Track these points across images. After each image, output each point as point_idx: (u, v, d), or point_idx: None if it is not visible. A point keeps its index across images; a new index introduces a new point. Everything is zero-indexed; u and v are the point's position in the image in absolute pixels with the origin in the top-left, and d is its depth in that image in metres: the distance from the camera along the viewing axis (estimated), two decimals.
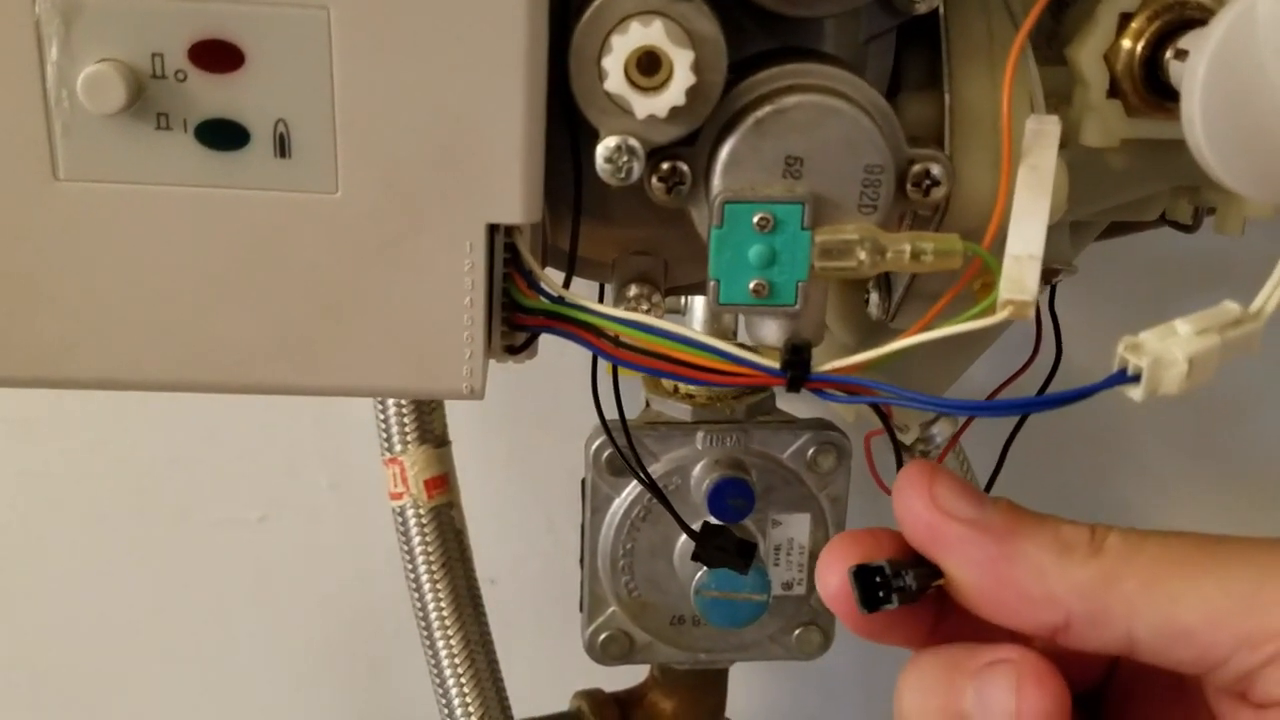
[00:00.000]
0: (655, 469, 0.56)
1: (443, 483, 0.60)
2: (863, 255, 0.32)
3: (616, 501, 0.58)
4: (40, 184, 0.31)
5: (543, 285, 0.34)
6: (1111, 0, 0.35)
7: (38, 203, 0.31)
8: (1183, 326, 0.29)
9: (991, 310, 0.32)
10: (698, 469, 0.56)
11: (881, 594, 0.30)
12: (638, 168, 0.32)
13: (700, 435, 0.56)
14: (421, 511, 0.60)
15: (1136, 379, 0.29)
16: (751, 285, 0.33)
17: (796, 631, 0.60)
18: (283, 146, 0.31)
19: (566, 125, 0.33)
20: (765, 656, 0.59)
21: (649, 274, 0.39)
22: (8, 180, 0.31)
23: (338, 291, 0.32)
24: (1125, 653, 0.28)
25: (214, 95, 0.30)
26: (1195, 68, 0.27)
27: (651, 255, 0.39)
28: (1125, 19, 0.35)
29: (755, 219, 0.32)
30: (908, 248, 0.32)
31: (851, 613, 0.31)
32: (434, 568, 0.60)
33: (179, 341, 0.32)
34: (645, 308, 0.39)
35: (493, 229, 0.32)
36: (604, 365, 0.40)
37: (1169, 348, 0.29)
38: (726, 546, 0.46)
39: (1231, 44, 0.27)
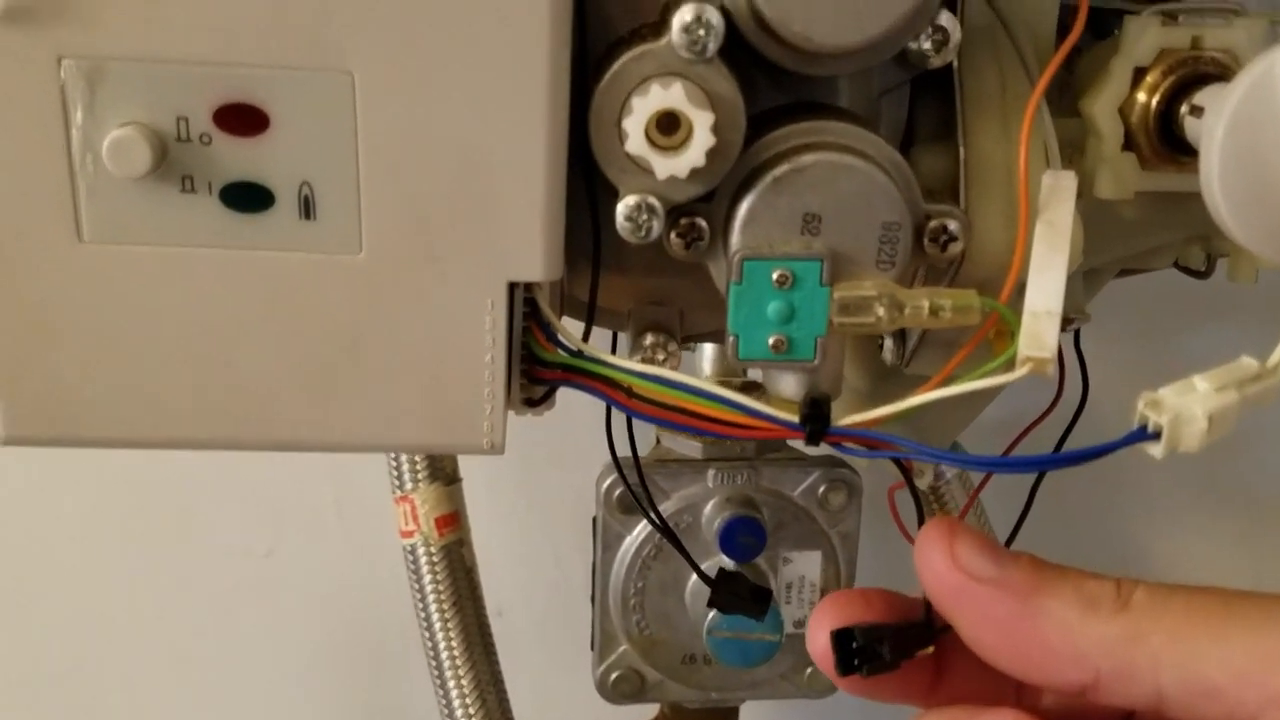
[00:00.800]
0: (666, 506, 0.56)
1: (453, 520, 0.60)
2: (881, 311, 0.32)
3: (628, 540, 0.58)
4: (64, 246, 0.31)
5: (561, 339, 0.35)
6: (1126, 54, 0.35)
7: (62, 265, 0.31)
8: (1201, 383, 0.30)
9: (1010, 365, 0.32)
10: (709, 507, 0.56)
11: (856, 660, 0.31)
12: (658, 226, 0.33)
13: (711, 473, 0.56)
14: (433, 550, 0.60)
15: (1157, 436, 0.29)
16: (771, 341, 0.33)
17: (808, 670, 0.60)
18: (307, 208, 0.31)
19: (585, 181, 0.33)
20: (777, 695, 0.59)
21: (664, 323, 0.40)
22: (32, 242, 0.31)
23: (360, 350, 0.32)
24: (1152, 709, 0.29)
25: (238, 158, 0.30)
26: (1214, 129, 0.27)
27: (666, 304, 0.40)
28: (1139, 72, 0.35)
29: (774, 275, 0.33)
30: (926, 304, 0.32)
31: (834, 673, 0.31)
32: (445, 606, 0.60)
33: (202, 401, 0.32)
34: (661, 357, 0.39)
35: (513, 286, 0.33)
36: None
37: (1189, 404, 0.29)
38: (741, 593, 0.46)
39: (1251, 106, 0.27)
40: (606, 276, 0.37)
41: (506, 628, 0.65)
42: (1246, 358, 0.31)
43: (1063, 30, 0.37)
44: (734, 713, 0.65)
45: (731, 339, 0.33)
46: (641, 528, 0.57)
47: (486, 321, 0.33)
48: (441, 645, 0.61)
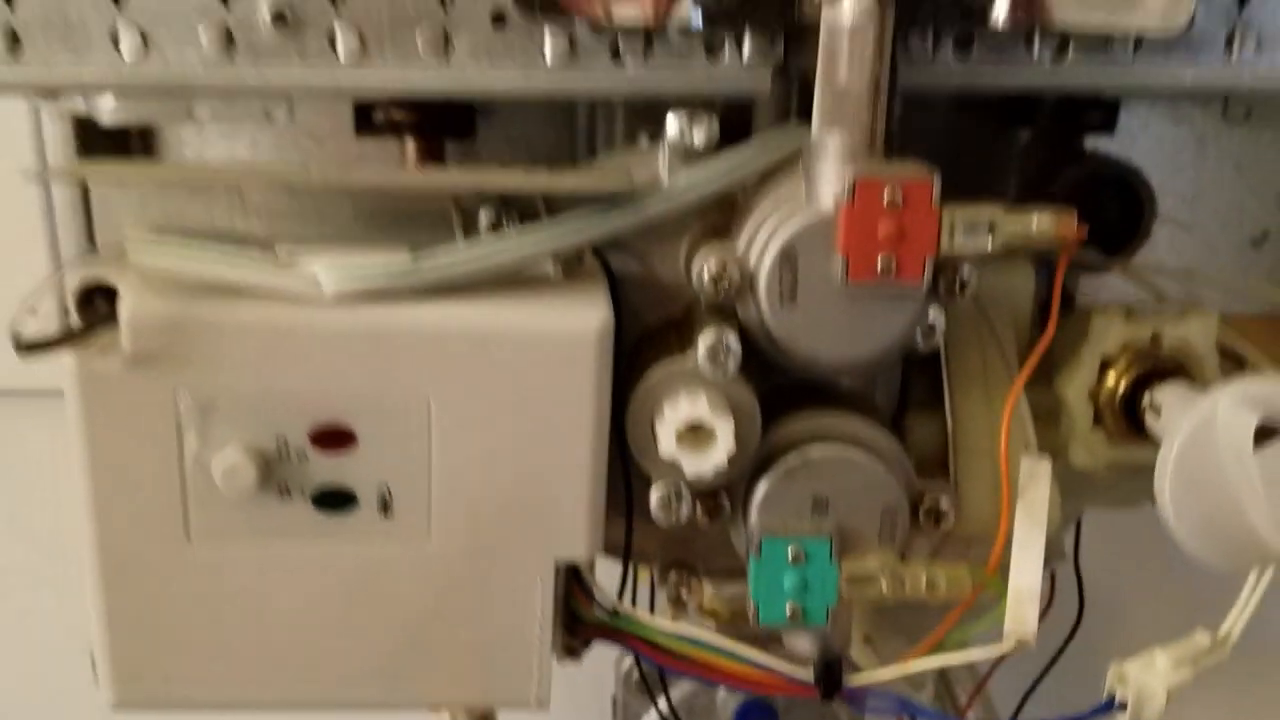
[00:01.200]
0: (681, 687, 0.60)
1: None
2: (884, 584, 0.37)
3: (645, 718, 0.62)
4: (175, 546, 0.36)
5: (600, 601, 0.39)
6: (1094, 344, 0.40)
7: (172, 561, 0.36)
8: (1162, 659, 0.34)
9: (1000, 624, 0.36)
10: (722, 689, 0.60)
11: None
12: (686, 510, 0.37)
13: None
14: None
15: (1123, 707, 0.34)
16: (788, 610, 0.38)
17: None
18: (385, 507, 0.36)
19: (622, 465, 0.38)
20: None
21: (687, 561, 0.44)
22: (147, 543, 0.36)
23: (426, 623, 0.37)
24: None
25: (329, 469, 0.35)
26: (1165, 461, 0.32)
27: (689, 546, 0.44)
28: (1106, 360, 0.40)
29: (789, 552, 0.37)
30: (924, 578, 0.37)
31: None
32: None
33: (290, 670, 0.37)
34: (685, 592, 0.44)
35: (559, 564, 0.37)
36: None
37: (1150, 682, 0.34)
38: None
39: (1194, 444, 0.32)
40: (636, 528, 0.42)
41: None
42: (1200, 631, 0.35)
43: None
44: None
45: (752, 606, 0.38)
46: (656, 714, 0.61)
47: (537, 597, 0.37)
48: None
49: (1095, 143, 0.50)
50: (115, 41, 0.37)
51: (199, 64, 0.37)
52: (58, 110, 0.47)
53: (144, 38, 0.37)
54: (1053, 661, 0.49)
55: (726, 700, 0.60)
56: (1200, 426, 0.32)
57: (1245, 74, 0.38)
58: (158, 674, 0.37)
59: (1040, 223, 0.35)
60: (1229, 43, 0.38)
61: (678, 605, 0.43)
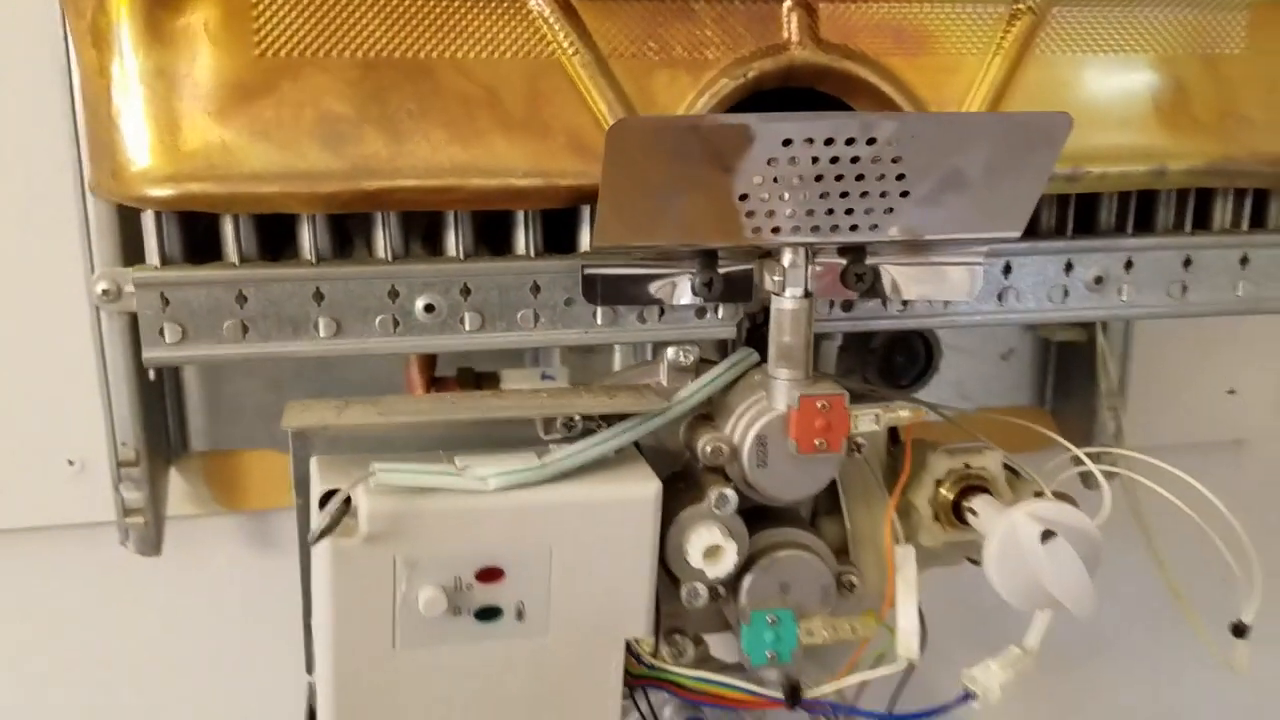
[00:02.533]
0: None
1: None
2: (826, 633, 0.61)
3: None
4: (386, 652, 0.56)
5: (644, 657, 0.61)
6: (930, 471, 0.65)
7: (384, 664, 0.56)
8: (994, 665, 0.59)
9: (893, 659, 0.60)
10: (668, 710, 0.83)
11: None
12: (704, 599, 0.60)
13: None
14: None
15: (974, 696, 0.58)
16: (768, 655, 0.61)
17: None
18: (520, 615, 0.57)
19: (664, 571, 0.60)
20: None
21: (682, 629, 0.66)
22: (367, 651, 0.55)
23: (544, 686, 0.58)
24: None
25: (486, 594, 0.56)
26: (989, 552, 0.57)
27: (682, 618, 0.66)
28: (939, 481, 0.65)
29: (768, 619, 0.60)
30: (848, 626, 0.61)
31: None
32: None
33: None
34: (680, 651, 0.66)
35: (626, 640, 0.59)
36: None
37: (989, 680, 0.58)
38: None
39: (1005, 542, 0.57)
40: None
41: None
42: (1014, 647, 0.60)
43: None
44: None
45: (746, 656, 0.61)
46: None
47: (614, 662, 0.59)
48: None
49: None
50: (316, 327, 0.57)
51: (374, 338, 0.57)
52: (116, 309, 0.66)
53: (337, 324, 0.57)
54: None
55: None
56: (1007, 531, 0.57)
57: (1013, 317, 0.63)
58: None
59: (902, 413, 0.60)
60: (1000, 297, 0.63)
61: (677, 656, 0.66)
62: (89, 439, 0.81)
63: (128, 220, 0.70)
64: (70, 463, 0.83)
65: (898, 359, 0.82)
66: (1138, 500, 0.73)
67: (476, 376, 0.73)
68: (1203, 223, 0.65)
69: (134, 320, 0.71)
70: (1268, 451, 0.99)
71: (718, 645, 0.67)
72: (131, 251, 0.70)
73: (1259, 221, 0.65)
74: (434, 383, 0.71)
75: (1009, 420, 0.70)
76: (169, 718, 0.91)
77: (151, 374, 0.77)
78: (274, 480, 0.86)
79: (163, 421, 0.82)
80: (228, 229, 0.56)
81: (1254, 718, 1.13)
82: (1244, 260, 0.64)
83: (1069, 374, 0.91)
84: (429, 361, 0.76)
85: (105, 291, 0.69)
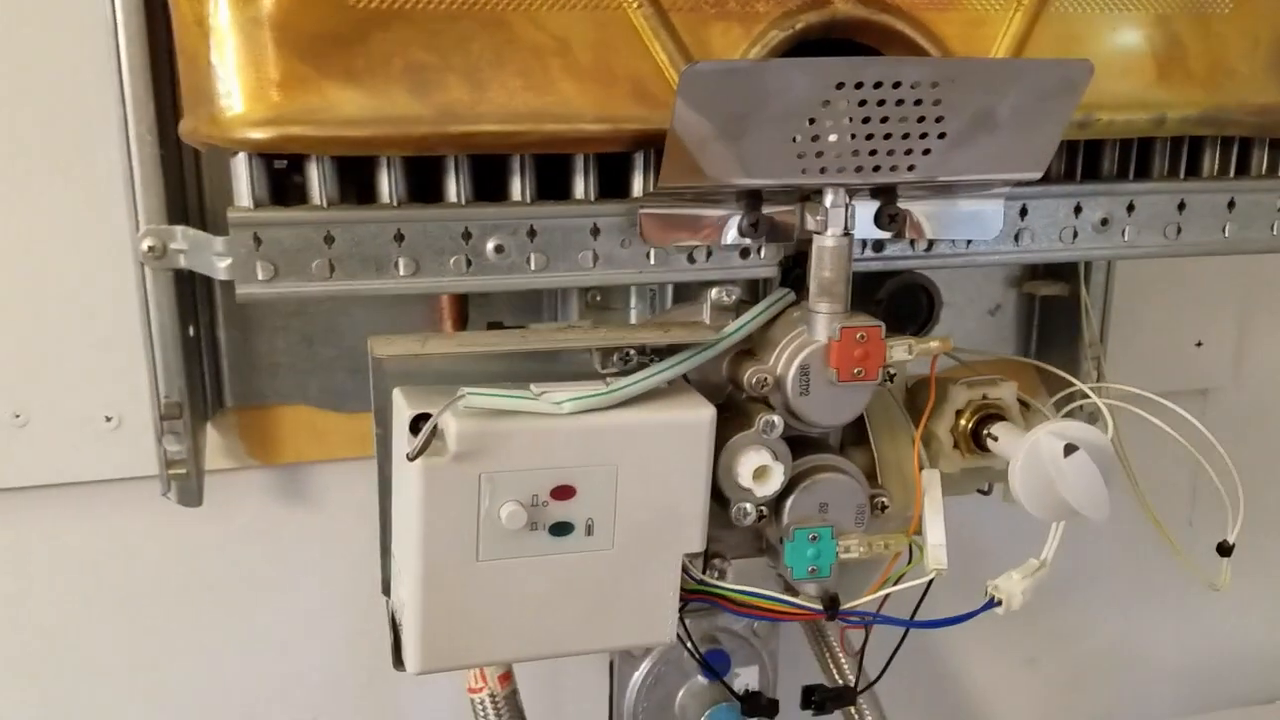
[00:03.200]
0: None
1: (509, 676, 0.89)
2: (862, 550, 0.66)
3: (634, 675, 0.88)
4: (470, 564, 0.60)
5: (695, 575, 0.66)
6: (951, 402, 0.70)
7: (469, 574, 0.60)
8: (1015, 575, 0.65)
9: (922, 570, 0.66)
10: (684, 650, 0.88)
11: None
12: (753, 516, 0.65)
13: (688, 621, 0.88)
14: (498, 698, 0.88)
15: (999, 604, 0.64)
16: (809, 569, 0.66)
17: None
18: (589, 530, 0.61)
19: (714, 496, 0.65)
20: None
21: (721, 552, 0.71)
22: (452, 562, 0.60)
23: (611, 597, 0.63)
24: None
25: (559, 511, 0.61)
26: (1014, 469, 0.62)
27: (720, 543, 0.71)
28: (959, 411, 0.70)
29: (809, 536, 0.65)
30: (881, 543, 0.66)
31: None
32: None
33: (535, 634, 0.62)
34: (718, 574, 0.71)
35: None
36: None
37: (1011, 588, 0.64)
38: (762, 703, 0.78)
39: (1030, 458, 0.62)
40: None
41: None
42: (1032, 559, 0.66)
43: None
44: None
45: (788, 569, 0.66)
46: (644, 668, 0.88)
47: (672, 574, 0.64)
48: None
49: None
50: (396, 266, 0.61)
51: (448, 276, 0.61)
52: (161, 265, 0.70)
53: (416, 264, 0.61)
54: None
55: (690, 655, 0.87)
56: (1032, 448, 0.62)
57: (1028, 255, 0.69)
58: (451, 645, 0.61)
59: (933, 344, 0.65)
60: (1017, 238, 0.69)
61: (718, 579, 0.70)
62: (127, 395, 0.84)
63: (172, 178, 0.74)
64: (108, 419, 0.86)
65: (902, 310, 0.87)
66: (1119, 443, 0.79)
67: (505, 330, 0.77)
68: (1194, 170, 0.71)
69: (178, 276, 0.75)
70: (1229, 400, 1.07)
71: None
72: (175, 210, 0.74)
73: (1243, 169, 0.72)
74: None
75: (1008, 362, 0.76)
76: (207, 669, 0.94)
77: (191, 330, 0.80)
78: (305, 434, 0.89)
79: (199, 377, 0.85)
80: (313, 173, 0.60)
81: (1210, 656, 1.21)
82: (1231, 204, 0.71)
83: (1052, 328, 0.97)
84: (460, 315, 0.81)
85: (151, 249, 0.73)
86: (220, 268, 0.65)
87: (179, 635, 0.92)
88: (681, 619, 0.70)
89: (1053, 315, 0.97)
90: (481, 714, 0.89)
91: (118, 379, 0.84)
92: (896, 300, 0.89)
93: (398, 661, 0.63)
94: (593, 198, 0.63)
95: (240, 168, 0.59)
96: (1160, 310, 1.02)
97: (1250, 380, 1.09)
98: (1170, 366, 1.04)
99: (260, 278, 0.59)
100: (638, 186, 0.64)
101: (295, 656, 0.95)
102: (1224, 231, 0.71)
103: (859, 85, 0.56)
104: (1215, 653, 1.21)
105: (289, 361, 0.88)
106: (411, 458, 0.57)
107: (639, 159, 0.63)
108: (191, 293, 0.81)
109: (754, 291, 0.70)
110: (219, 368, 0.87)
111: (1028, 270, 0.97)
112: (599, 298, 0.83)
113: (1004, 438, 0.67)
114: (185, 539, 0.90)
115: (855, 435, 0.72)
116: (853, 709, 0.82)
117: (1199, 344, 1.04)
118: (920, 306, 0.90)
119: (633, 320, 0.78)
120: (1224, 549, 0.74)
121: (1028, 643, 1.15)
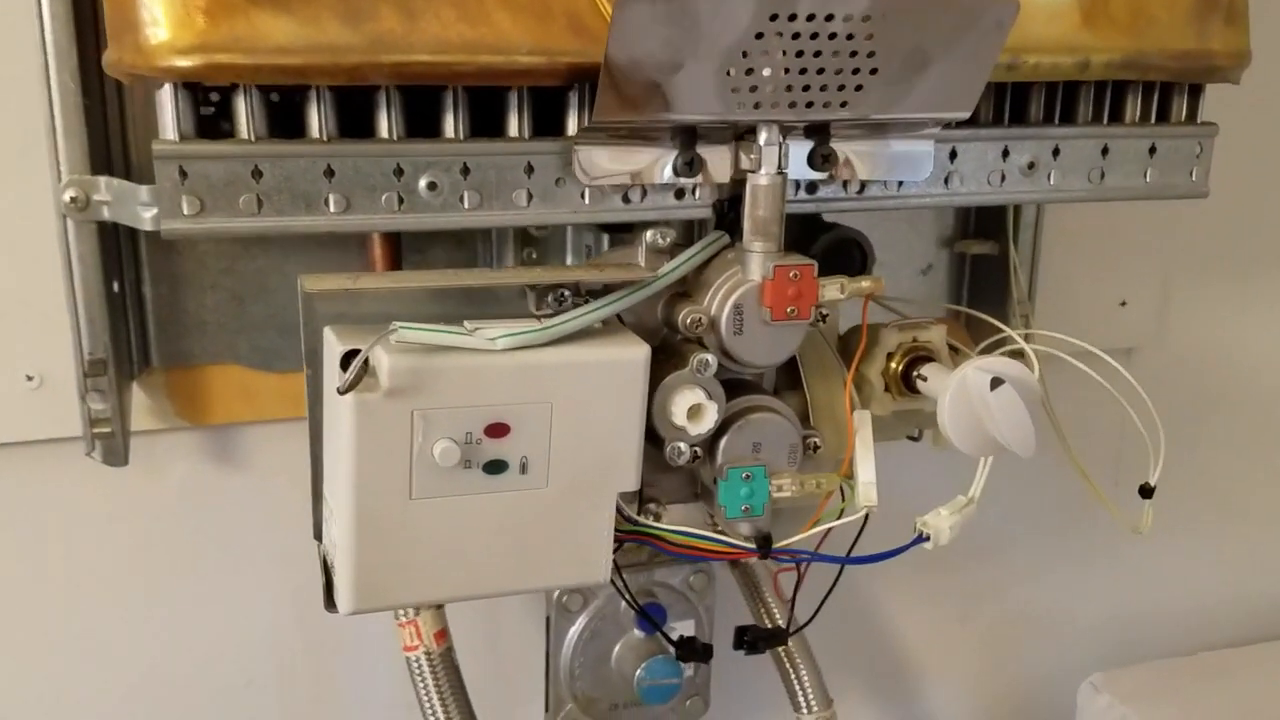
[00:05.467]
0: (597, 603, 0.87)
1: (445, 634, 0.88)
2: (794, 489, 0.66)
3: (570, 630, 0.88)
4: (402, 502, 0.60)
5: (629, 514, 0.66)
6: (882, 345, 0.71)
7: (401, 512, 0.60)
8: (944, 511, 0.65)
9: (853, 509, 0.66)
10: (622, 604, 0.88)
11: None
12: (687, 456, 0.65)
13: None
14: (434, 656, 0.87)
15: (927, 539, 0.65)
16: (742, 508, 0.66)
17: (686, 702, 0.92)
18: (523, 469, 0.61)
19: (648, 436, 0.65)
20: None
21: (656, 496, 0.71)
22: (384, 500, 0.59)
23: (545, 537, 0.63)
24: None
25: (493, 449, 0.60)
26: (942, 404, 0.63)
27: (655, 488, 0.71)
28: (890, 354, 0.71)
29: (743, 475, 0.66)
30: (814, 482, 0.67)
31: None
32: (445, 696, 0.88)
33: (468, 574, 0.62)
34: (653, 517, 0.71)
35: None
36: None
37: (939, 523, 0.65)
38: (696, 648, 0.78)
39: (957, 393, 0.63)
40: None
41: (482, 701, 0.91)
42: (961, 495, 0.67)
43: None
44: None
45: (720, 507, 0.66)
46: (580, 623, 0.88)
47: (607, 513, 0.64)
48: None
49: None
50: (326, 203, 0.60)
51: (380, 214, 0.61)
52: (84, 218, 0.69)
53: (346, 201, 0.60)
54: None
55: (626, 610, 0.88)
56: (960, 382, 0.63)
57: (958, 198, 0.70)
58: (383, 585, 0.61)
59: (864, 284, 0.66)
60: (946, 180, 0.70)
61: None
62: (49, 354, 0.82)
63: (96, 127, 0.72)
64: (29, 378, 0.84)
65: (835, 265, 0.88)
66: (1045, 389, 0.81)
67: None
68: (1117, 116, 0.72)
69: (102, 229, 0.73)
70: (1153, 358, 1.09)
71: None
72: (99, 160, 0.73)
73: (1164, 115, 0.73)
74: None
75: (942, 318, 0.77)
76: (139, 634, 0.92)
77: (115, 286, 0.79)
78: (236, 395, 0.88)
79: (125, 335, 0.83)
80: (240, 106, 0.59)
81: (1134, 610, 1.24)
82: (1152, 150, 0.72)
83: (982, 286, 0.98)
84: (393, 259, 0.80)
85: (73, 199, 0.71)
86: (146, 218, 0.64)
87: (109, 599, 0.90)
88: (620, 572, 0.70)
89: (983, 275, 0.98)
90: (418, 671, 0.88)
91: (39, 337, 0.82)
92: (829, 255, 0.90)
93: (329, 603, 0.63)
94: (527, 135, 0.63)
95: (165, 99, 0.58)
96: (1086, 270, 1.04)
97: (1173, 339, 1.12)
98: (1096, 325, 1.05)
99: (186, 212, 0.58)
100: (572, 126, 0.63)
101: (228, 619, 0.94)
102: (1145, 176, 0.73)
103: (792, 17, 0.56)
104: (1139, 606, 1.24)
105: (218, 320, 0.86)
106: (342, 392, 0.56)
107: (574, 97, 0.63)
108: (116, 247, 0.79)
109: (689, 235, 0.70)
110: (145, 326, 0.85)
111: (958, 229, 0.98)
112: (534, 255, 0.83)
113: (933, 378, 0.68)
114: (113, 502, 0.89)
115: (788, 379, 0.72)
116: (783, 651, 0.82)
117: (1124, 303, 1.06)
118: (853, 261, 0.90)
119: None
120: (1145, 491, 0.75)
121: (957, 598, 1.17)
